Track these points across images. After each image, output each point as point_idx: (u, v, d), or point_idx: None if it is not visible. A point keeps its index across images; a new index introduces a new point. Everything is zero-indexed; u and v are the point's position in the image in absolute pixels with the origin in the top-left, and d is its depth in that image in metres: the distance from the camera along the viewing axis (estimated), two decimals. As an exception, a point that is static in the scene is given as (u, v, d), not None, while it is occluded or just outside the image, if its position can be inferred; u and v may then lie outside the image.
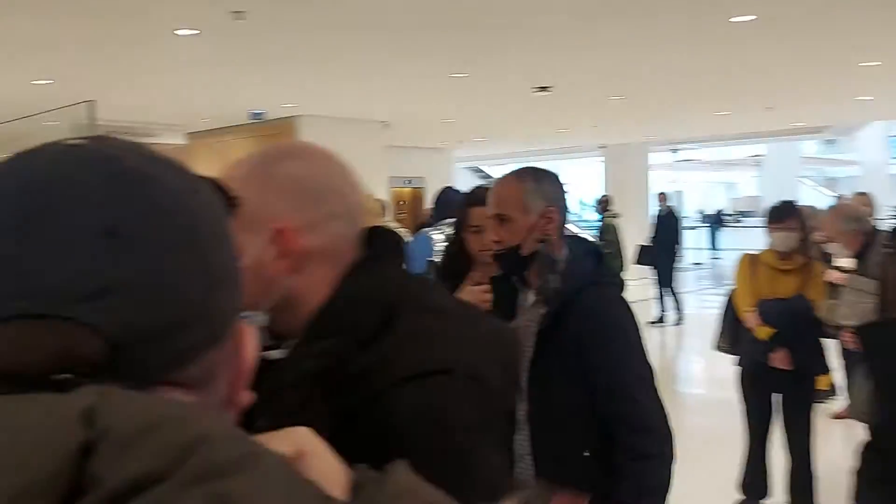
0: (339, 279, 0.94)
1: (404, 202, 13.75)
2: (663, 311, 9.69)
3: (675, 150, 19.75)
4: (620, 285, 1.88)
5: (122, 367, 0.41)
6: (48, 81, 7.27)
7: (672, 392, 7.25)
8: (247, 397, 0.53)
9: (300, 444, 0.54)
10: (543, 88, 8.10)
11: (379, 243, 0.98)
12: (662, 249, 9.65)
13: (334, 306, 0.92)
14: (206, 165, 11.30)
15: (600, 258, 1.88)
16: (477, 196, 2.22)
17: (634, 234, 10.92)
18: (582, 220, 17.81)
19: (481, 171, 18.44)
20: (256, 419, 0.95)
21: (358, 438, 0.79)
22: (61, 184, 0.43)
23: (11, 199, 0.43)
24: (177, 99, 8.46)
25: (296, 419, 0.83)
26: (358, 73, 7.36)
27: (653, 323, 9.52)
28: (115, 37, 5.68)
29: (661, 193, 10.47)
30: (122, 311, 0.42)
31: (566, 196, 1.85)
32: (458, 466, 0.81)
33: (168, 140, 10.56)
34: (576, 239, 1.92)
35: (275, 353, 0.95)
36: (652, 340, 9.15)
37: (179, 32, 5.51)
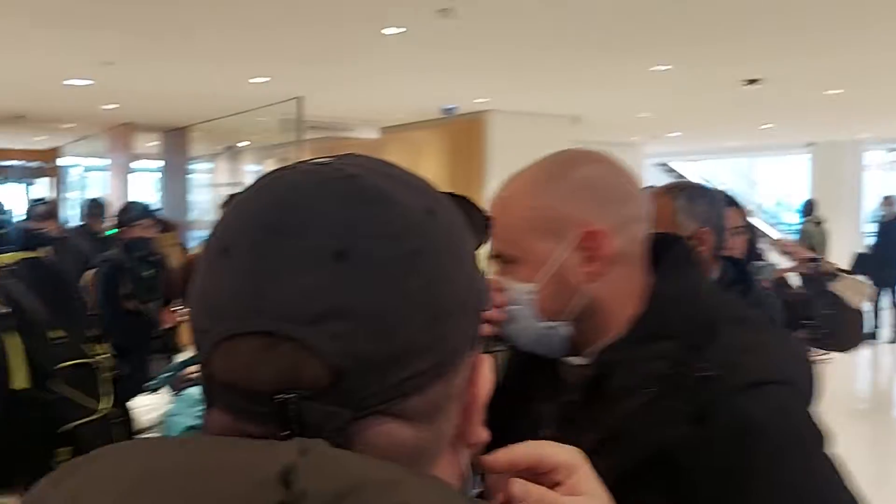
0: (649, 284, 0.93)
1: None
2: (877, 326, 8.79)
3: (891, 150, 17.89)
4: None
5: (342, 393, 0.41)
6: (264, 80, 7.80)
7: (888, 419, 6.59)
8: (483, 435, 0.49)
9: (575, 459, 0.56)
10: (753, 81, 7.58)
11: (675, 249, 0.97)
12: (884, 259, 8.76)
13: (659, 310, 0.90)
14: (398, 159, 11.76)
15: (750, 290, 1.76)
16: (732, 197, 2.14)
17: (844, 240, 10.00)
18: (780, 224, 16.62)
19: (670, 168, 17.71)
20: (540, 428, 0.94)
21: (703, 440, 0.80)
22: (298, 203, 0.43)
23: (256, 217, 0.44)
24: (376, 94, 8.80)
25: (639, 422, 0.83)
26: (554, 69, 7.27)
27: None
28: (325, 38, 5.98)
29: (888, 197, 9.50)
30: (344, 336, 0.41)
31: (724, 215, 1.75)
32: (816, 475, 0.81)
33: (363, 134, 11.02)
34: (730, 262, 1.81)
35: (576, 360, 0.95)
36: (862, 358, 8.34)
37: (386, 31, 5.68)
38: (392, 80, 7.87)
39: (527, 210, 0.93)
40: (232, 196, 7.55)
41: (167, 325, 4.46)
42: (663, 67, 7.09)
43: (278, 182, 0.46)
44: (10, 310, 1.32)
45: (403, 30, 5.67)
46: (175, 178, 13.23)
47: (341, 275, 0.41)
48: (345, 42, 6.13)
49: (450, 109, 9.75)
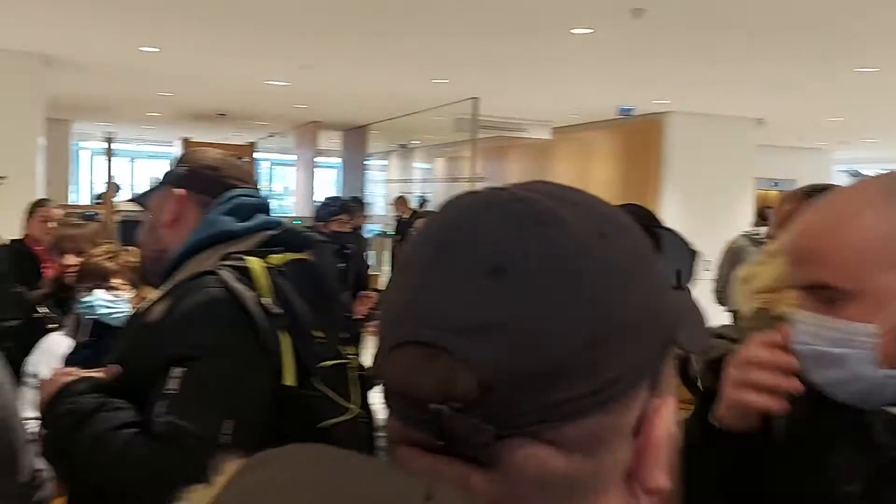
0: None
1: (769, 206, 12.76)
2: None
3: None
4: None
5: (489, 408, 0.41)
6: (444, 81, 8.02)
7: None
8: (663, 481, 0.46)
9: None
10: (972, 83, 6.86)
11: None
12: None
13: None
14: (568, 161, 11.65)
15: None
16: None
17: None
18: None
19: (861, 175, 16.36)
20: (843, 485, 0.87)
21: None
22: (466, 223, 0.45)
23: (431, 236, 0.46)
24: (551, 95, 8.79)
25: None
26: (742, 70, 6.94)
27: None
28: (510, 40, 6.05)
29: None
30: (495, 350, 0.41)
31: None
32: None
33: (535, 134, 11.03)
34: None
35: None
36: None
37: (575, 31, 5.67)
38: (571, 81, 7.84)
39: (873, 236, 0.81)
40: (401, 197, 7.84)
41: (357, 316, 4.71)
42: (868, 69, 6.58)
43: (455, 204, 0.48)
44: (283, 310, 1.38)
45: (591, 31, 5.64)
46: (353, 174, 13.89)
47: (496, 291, 0.42)
48: (530, 43, 6.18)
49: (627, 110, 9.55)
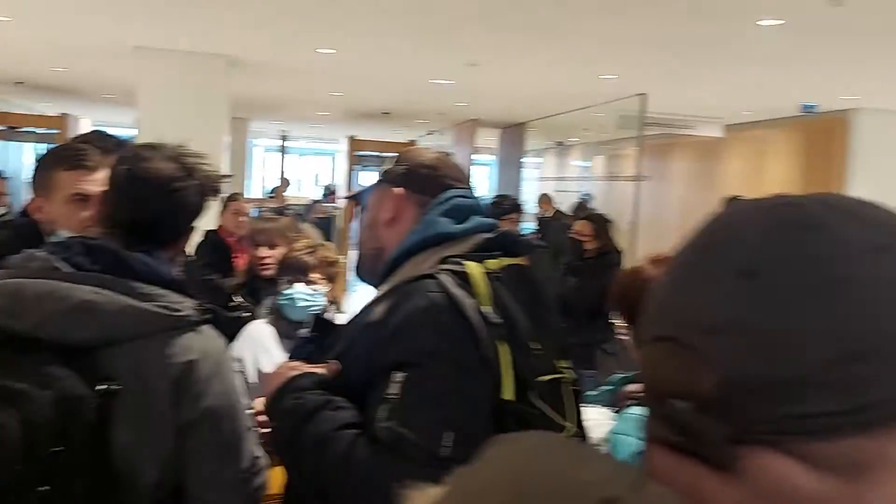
0: None
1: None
2: None
3: None
4: None
5: (726, 408, 0.40)
6: (612, 77, 7.80)
7: None
8: None
9: None
10: None
11: None
12: None
13: None
14: (739, 160, 11.03)
15: None
16: None
17: None
18: None
19: None
20: None
21: None
22: (729, 225, 0.45)
23: (695, 238, 0.46)
24: (726, 90, 8.35)
25: None
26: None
27: None
28: (688, 33, 5.78)
29: None
30: (736, 351, 0.40)
31: None
32: None
33: (704, 132, 10.52)
34: None
35: None
36: None
37: (762, 23, 5.33)
38: (751, 76, 7.40)
39: None
40: (545, 194, 7.75)
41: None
42: None
43: (727, 209, 0.47)
44: (502, 319, 1.31)
45: (781, 21, 5.27)
46: (508, 172, 13.88)
47: (744, 292, 0.41)
48: (710, 37, 5.87)
49: (810, 108, 8.89)
